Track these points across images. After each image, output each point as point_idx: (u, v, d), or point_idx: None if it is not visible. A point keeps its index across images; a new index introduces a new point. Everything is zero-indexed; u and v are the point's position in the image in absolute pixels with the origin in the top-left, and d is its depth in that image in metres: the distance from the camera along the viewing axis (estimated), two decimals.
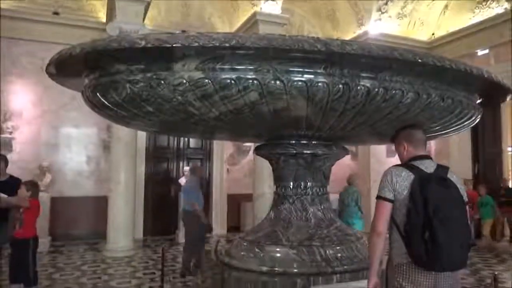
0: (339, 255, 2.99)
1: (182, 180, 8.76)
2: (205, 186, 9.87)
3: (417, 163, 2.22)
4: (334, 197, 5.92)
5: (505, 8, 8.65)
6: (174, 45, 2.00)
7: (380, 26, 9.88)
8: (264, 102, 2.25)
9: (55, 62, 2.44)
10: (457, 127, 3.04)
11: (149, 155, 9.44)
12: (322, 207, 3.30)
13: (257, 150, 3.49)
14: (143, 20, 7.75)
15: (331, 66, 2.17)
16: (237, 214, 9.97)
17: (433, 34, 10.41)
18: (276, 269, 2.89)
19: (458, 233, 2.02)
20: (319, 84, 2.18)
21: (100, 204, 8.15)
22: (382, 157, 9.56)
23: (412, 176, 2.13)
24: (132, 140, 7.52)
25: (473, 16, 9.46)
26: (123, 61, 2.25)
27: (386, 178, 2.18)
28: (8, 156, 5.23)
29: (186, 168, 8.98)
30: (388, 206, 2.14)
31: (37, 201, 4.25)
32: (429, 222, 1.98)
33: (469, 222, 2.14)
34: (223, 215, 9.87)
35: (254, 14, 8.63)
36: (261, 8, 8.59)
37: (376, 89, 2.25)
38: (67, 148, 8.67)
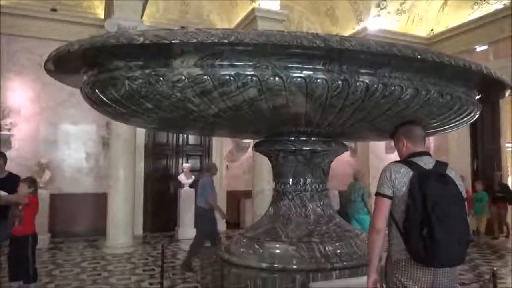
0: (338, 251, 3.00)
1: (182, 177, 8.78)
2: None
3: (416, 159, 2.22)
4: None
5: (504, 4, 8.63)
6: (172, 42, 1.99)
7: (379, 22, 9.86)
8: (263, 99, 2.25)
9: (53, 58, 2.43)
10: (456, 123, 3.05)
11: (148, 152, 9.44)
12: (322, 203, 3.31)
13: (256, 147, 3.49)
14: (142, 17, 7.72)
15: (330, 62, 2.16)
16: (236, 210, 9.98)
17: (432, 30, 10.39)
18: (276, 265, 2.90)
19: (457, 229, 2.02)
20: (318, 80, 2.18)
21: (99, 201, 8.15)
22: (381, 153, 9.57)
23: (411, 173, 2.13)
24: (131, 137, 7.51)
25: (472, 12, 9.45)
26: (122, 58, 2.25)
27: (385, 175, 2.18)
28: (7, 153, 5.22)
29: (186, 165, 9.00)
30: (387, 203, 2.15)
31: (36, 198, 4.25)
32: (428, 218, 1.99)
33: (467, 218, 2.15)
34: None
35: (253, 11, 8.61)
36: (259, 4, 8.56)
37: (375, 85, 2.25)
38: (66, 145, 8.66)
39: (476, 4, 9.39)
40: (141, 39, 2.00)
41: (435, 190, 2.04)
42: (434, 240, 1.97)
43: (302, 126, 2.82)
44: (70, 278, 5.50)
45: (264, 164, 6.95)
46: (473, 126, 8.99)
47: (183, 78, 2.15)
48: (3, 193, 4.14)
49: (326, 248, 2.98)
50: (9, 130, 7.99)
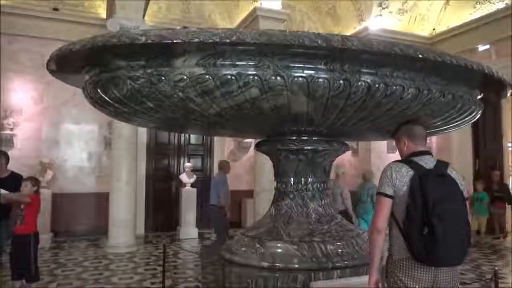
0: (339, 250, 3.00)
1: (183, 177, 8.78)
2: (207, 182, 9.90)
3: (417, 158, 2.21)
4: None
5: (506, 3, 8.60)
6: (174, 41, 2.00)
7: (381, 22, 9.84)
8: (265, 98, 2.25)
9: (56, 58, 2.44)
10: (458, 122, 3.05)
11: (150, 151, 9.45)
12: (323, 202, 3.31)
13: (258, 146, 3.50)
14: (144, 16, 7.73)
15: (331, 61, 2.17)
16: (238, 210, 9.98)
17: (434, 29, 10.37)
18: (277, 264, 2.90)
19: (457, 229, 2.02)
20: (320, 80, 2.18)
21: (101, 200, 8.17)
22: (383, 153, 9.56)
23: (411, 172, 2.13)
24: (133, 137, 7.52)
25: (474, 12, 9.42)
26: (124, 57, 2.25)
27: (386, 174, 2.18)
28: (9, 153, 5.23)
29: (187, 165, 9.01)
30: (388, 202, 2.15)
31: (37, 197, 4.26)
32: (428, 217, 1.98)
33: (469, 217, 2.14)
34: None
35: (254, 10, 8.60)
36: (261, 4, 8.55)
37: (377, 85, 2.26)
38: (68, 145, 8.68)
39: (478, 3, 9.36)
40: (143, 38, 2.01)
41: (436, 190, 2.03)
42: (434, 240, 1.96)
43: (303, 126, 2.82)
44: (72, 277, 5.52)
45: (266, 163, 6.94)
46: (475, 126, 8.98)
47: (185, 77, 2.16)
48: (3, 191, 4.15)
49: (328, 247, 2.98)
50: (11, 129, 8.01)
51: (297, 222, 3.15)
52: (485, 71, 2.46)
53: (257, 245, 3.06)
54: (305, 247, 2.96)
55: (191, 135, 9.67)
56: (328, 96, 2.25)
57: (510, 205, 8.22)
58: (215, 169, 9.98)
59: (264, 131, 3.23)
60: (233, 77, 2.14)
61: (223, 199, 6.44)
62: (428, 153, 2.28)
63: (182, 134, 9.56)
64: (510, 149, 9.59)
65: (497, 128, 9.15)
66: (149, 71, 2.21)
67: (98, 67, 2.46)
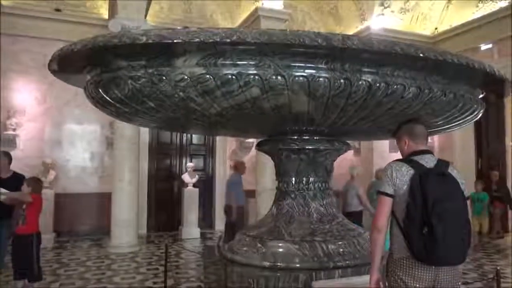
0: (341, 250, 3.00)
1: (185, 176, 8.79)
2: (209, 182, 9.92)
3: (417, 158, 2.21)
4: None
5: (509, 2, 8.57)
6: (175, 41, 2.00)
7: (383, 21, 9.82)
8: (266, 98, 2.25)
9: (57, 58, 2.45)
10: (459, 121, 3.04)
11: (152, 151, 9.46)
12: (325, 202, 3.31)
13: (259, 146, 3.50)
14: (145, 16, 7.74)
15: (332, 61, 2.17)
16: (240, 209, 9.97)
17: (436, 29, 10.34)
18: (278, 264, 2.91)
19: (458, 228, 2.02)
20: (320, 79, 2.18)
21: (104, 200, 8.18)
22: (385, 152, 9.54)
23: (412, 171, 2.13)
24: (135, 137, 7.54)
25: (477, 11, 9.39)
26: (125, 57, 2.26)
27: (386, 173, 2.18)
28: (12, 153, 5.25)
29: (189, 165, 9.02)
30: (388, 201, 2.15)
31: (39, 197, 4.27)
32: (428, 217, 1.98)
33: (469, 217, 2.14)
34: None
35: (256, 10, 8.60)
36: (262, 4, 8.55)
37: (378, 84, 2.25)
38: (70, 145, 8.70)
39: (480, 2, 9.33)
40: (144, 38, 2.01)
41: (436, 189, 2.03)
42: (434, 239, 1.96)
43: (304, 125, 2.82)
44: (75, 277, 5.53)
45: (268, 163, 6.94)
46: (478, 125, 8.95)
47: (186, 77, 2.16)
48: (3, 190, 4.16)
49: (329, 247, 2.98)
50: (14, 130, 8.03)
51: (298, 222, 3.15)
52: (487, 70, 2.46)
53: (259, 245, 3.07)
54: (306, 247, 2.96)
55: (193, 135, 9.68)
56: (329, 96, 2.25)
57: (509, 205, 8.17)
58: (217, 169, 10.03)
59: (265, 130, 3.23)
60: (233, 77, 2.14)
61: (236, 200, 6.43)
62: (428, 152, 2.28)
63: (184, 134, 9.58)
64: None
65: (500, 127, 9.12)
66: (150, 71, 2.22)
67: (99, 67, 2.47)
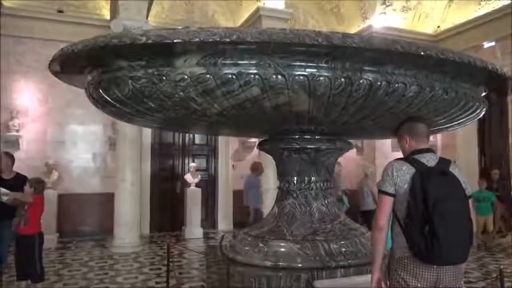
0: (343, 249, 2.99)
1: (188, 177, 8.80)
2: (211, 182, 9.93)
3: (418, 156, 2.20)
4: None
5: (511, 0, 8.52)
6: (174, 41, 2.00)
7: (385, 20, 9.80)
8: (266, 97, 2.25)
9: (58, 59, 2.46)
10: (462, 120, 3.02)
11: (154, 151, 9.47)
12: (326, 201, 3.30)
13: (261, 145, 3.50)
14: (147, 17, 7.75)
15: (332, 60, 2.16)
16: (243, 210, 9.98)
17: (438, 27, 10.30)
18: (280, 263, 2.90)
19: (459, 227, 2.01)
20: (321, 78, 2.17)
21: (106, 201, 8.20)
22: (388, 151, 9.51)
23: (412, 170, 2.12)
24: (137, 137, 7.55)
25: (479, 9, 9.35)
26: (125, 58, 2.26)
27: (387, 172, 2.17)
28: (15, 154, 5.27)
29: (192, 165, 9.03)
30: (389, 201, 2.14)
31: (40, 198, 4.28)
32: (429, 216, 1.97)
33: (471, 216, 2.12)
34: (229, 211, 9.89)
35: (258, 10, 8.59)
36: (264, 3, 8.54)
37: (379, 83, 2.24)
38: (73, 146, 8.72)
39: (483, 0, 9.29)
40: (144, 38, 2.01)
41: (437, 188, 2.02)
42: (435, 238, 1.95)
43: (305, 124, 2.81)
44: (78, 277, 5.55)
45: (270, 163, 6.93)
46: (481, 123, 8.90)
47: (186, 77, 2.16)
48: (3, 190, 4.17)
49: (331, 246, 2.97)
50: (17, 131, 8.06)
51: (300, 221, 3.14)
52: (489, 68, 2.44)
53: (260, 244, 3.06)
54: (308, 246, 2.96)
55: (196, 135, 9.69)
56: (330, 94, 2.24)
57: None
58: (220, 169, 10.03)
59: (266, 130, 3.22)
60: (234, 76, 2.14)
61: (253, 201, 6.42)
62: (430, 150, 2.27)
63: (187, 134, 9.58)
64: None
65: (504, 125, 9.06)
66: (150, 71, 2.21)
67: (99, 68, 2.47)
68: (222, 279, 3.14)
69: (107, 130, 8.81)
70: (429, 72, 2.37)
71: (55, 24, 8.41)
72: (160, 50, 2.13)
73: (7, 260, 4.94)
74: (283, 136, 3.15)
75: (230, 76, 2.14)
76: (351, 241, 3.06)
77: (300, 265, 2.88)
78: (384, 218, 2.13)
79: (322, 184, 3.31)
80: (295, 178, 3.28)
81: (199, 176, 8.90)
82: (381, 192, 2.16)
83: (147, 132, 8.82)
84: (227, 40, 1.98)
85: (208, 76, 2.15)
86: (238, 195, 9.91)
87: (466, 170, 8.86)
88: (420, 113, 2.51)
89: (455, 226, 1.99)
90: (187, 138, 9.82)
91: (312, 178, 3.27)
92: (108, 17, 8.75)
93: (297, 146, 3.10)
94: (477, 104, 2.82)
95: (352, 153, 9.21)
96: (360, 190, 6.64)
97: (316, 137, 3.11)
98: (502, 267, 3.64)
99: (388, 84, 2.26)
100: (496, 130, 9.27)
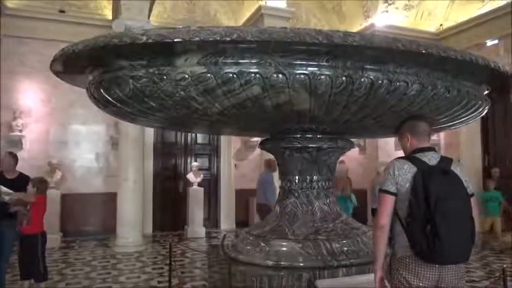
0: (345, 248, 2.98)
1: (190, 176, 8.81)
2: (214, 182, 9.94)
3: (419, 155, 2.19)
4: None
5: None
6: (175, 40, 2.00)
7: (387, 18, 9.76)
8: (267, 96, 2.24)
9: (59, 59, 2.46)
10: (464, 118, 3.00)
11: (157, 151, 9.49)
12: (328, 201, 3.29)
13: (262, 145, 3.49)
14: (149, 17, 7.75)
15: (333, 58, 2.15)
16: (245, 209, 9.98)
17: (441, 25, 10.25)
18: (282, 263, 2.90)
19: (461, 226, 1.99)
20: (322, 77, 2.16)
21: (109, 200, 8.23)
22: (391, 150, 9.47)
23: (414, 169, 2.10)
24: (139, 136, 7.56)
25: (482, 6, 9.30)
26: (126, 57, 2.26)
27: (389, 171, 2.16)
28: (18, 154, 5.28)
29: (194, 164, 9.04)
30: (390, 200, 2.13)
31: (43, 197, 4.29)
32: (431, 215, 1.96)
33: (473, 215, 2.11)
34: (231, 210, 9.90)
35: (259, 8, 8.59)
36: (266, 2, 8.54)
37: (380, 81, 2.23)
38: (76, 145, 8.75)
39: None
40: (144, 38, 2.01)
41: (438, 187, 2.01)
42: (437, 237, 1.94)
43: (306, 123, 2.81)
44: (81, 277, 5.57)
45: None
46: (485, 121, 8.85)
47: (187, 76, 2.16)
48: (4, 189, 4.18)
49: (333, 245, 2.97)
50: (20, 131, 8.10)
51: (302, 220, 3.14)
52: (491, 66, 2.42)
53: (262, 244, 3.06)
54: (310, 246, 2.95)
55: (198, 135, 9.70)
56: (331, 93, 2.23)
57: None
58: (222, 168, 10.03)
59: (268, 129, 3.22)
60: (234, 75, 2.13)
61: (270, 197, 6.37)
62: (431, 149, 2.25)
63: (189, 134, 9.59)
64: None
65: (507, 123, 9.02)
66: (151, 70, 2.21)
67: (100, 68, 2.47)
68: (224, 279, 3.14)
69: (110, 130, 8.83)
70: (431, 71, 2.36)
71: (57, 24, 8.43)
72: (161, 50, 2.12)
73: (10, 261, 4.96)
74: (285, 135, 3.14)
75: (230, 75, 2.14)
76: (353, 240, 3.05)
77: (302, 264, 2.88)
78: (385, 217, 2.12)
79: (323, 183, 3.30)
80: (297, 177, 3.28)
81: (202, 175, 8.91)
82: (383, 191, 2.15)
83: (150, 132, 8.83)
84: (228, 39, 1.98)
85: (208, 75, 2.14)
86: (240, 195, 9.93)
87: (470, 169, 8.80)
88: (422, 112, 2.50)
89: (457, 225, 1.98)
90: (189, 138, 9.83)
91: (314, 177, 3.27)
92: (110, 17, 8.77)
93: (299, 145, 3.10)
94: (480, 102, 2.80)
95: (354, 152, 9.19)
96: (372, 189, 6.63)
97: (318, 136, 3.10)
98: (505, 266, 3.62)
99: (389, 82, 2.24)
100: (499, 129, 9.22)
